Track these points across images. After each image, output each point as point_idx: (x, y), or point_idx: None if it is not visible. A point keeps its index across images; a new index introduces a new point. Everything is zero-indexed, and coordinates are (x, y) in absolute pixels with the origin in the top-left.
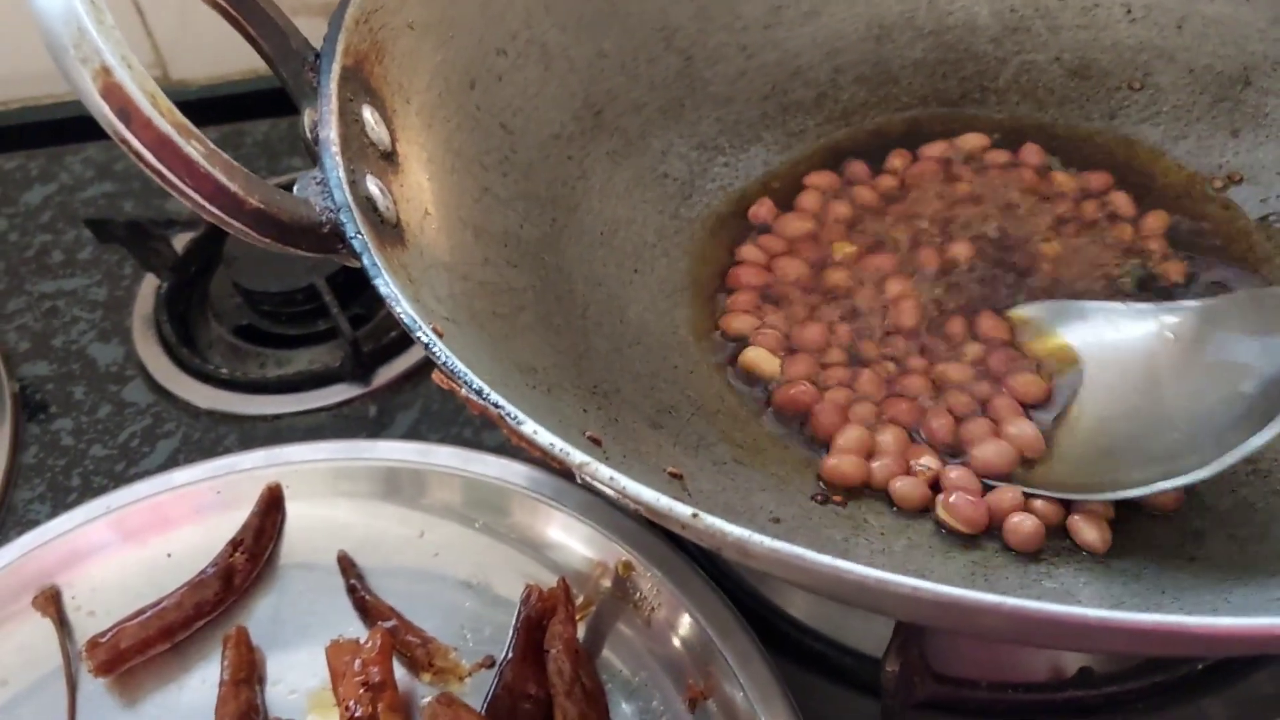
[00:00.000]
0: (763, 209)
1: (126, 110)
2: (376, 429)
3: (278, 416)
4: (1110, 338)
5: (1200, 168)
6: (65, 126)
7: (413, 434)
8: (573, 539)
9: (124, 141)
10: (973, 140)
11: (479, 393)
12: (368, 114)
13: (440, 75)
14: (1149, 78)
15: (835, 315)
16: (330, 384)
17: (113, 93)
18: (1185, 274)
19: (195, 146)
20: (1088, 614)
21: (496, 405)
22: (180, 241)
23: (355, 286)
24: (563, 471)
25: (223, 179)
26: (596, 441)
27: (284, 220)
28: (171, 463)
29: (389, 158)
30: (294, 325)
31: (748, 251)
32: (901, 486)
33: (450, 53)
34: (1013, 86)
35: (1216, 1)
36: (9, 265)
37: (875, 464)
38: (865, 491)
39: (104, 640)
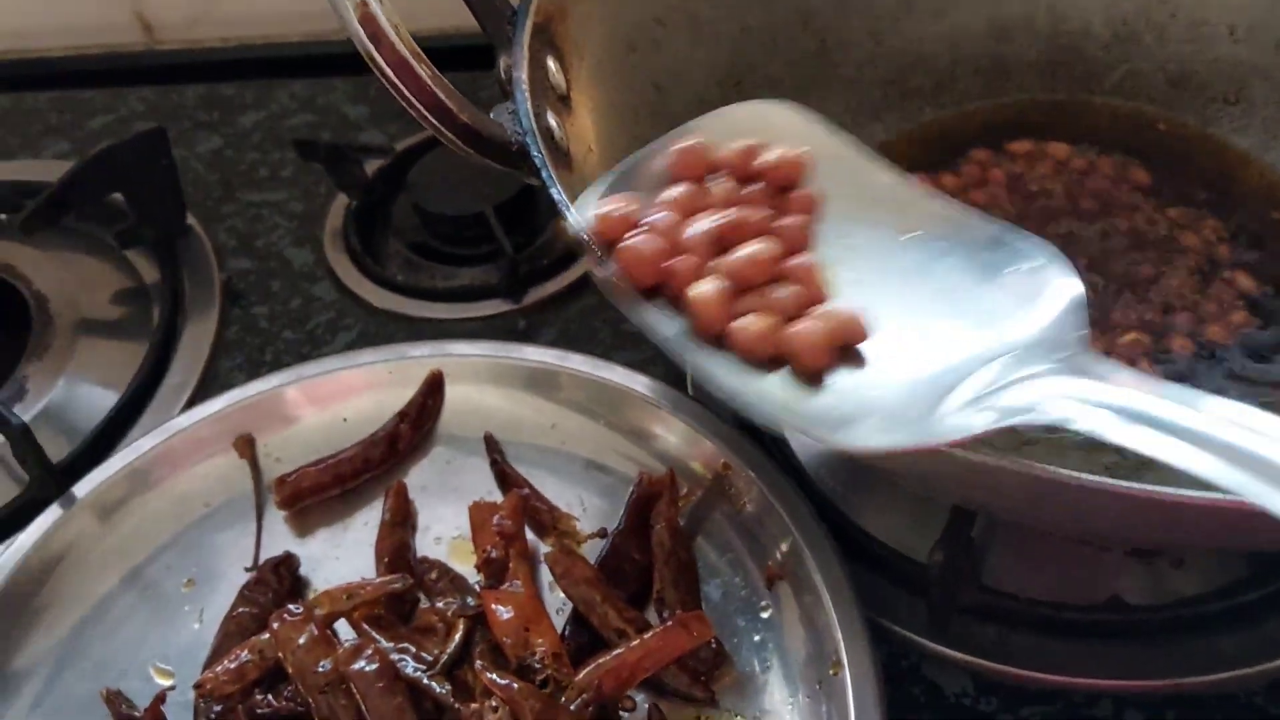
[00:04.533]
0: None
1: (377, 35)
2: (523, 340)
3: (441, 321)
4: None
5: None
6: (276, 64)
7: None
8: (683, 441)
9: (371, 58)
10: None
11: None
12: (550, 63)
13: (607, 38)
14: (1243, 91)
15: None
16: (487, 298)
17: (368, 21)
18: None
19: (424, 69)
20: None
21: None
22: (371, 167)
23: (516, 218)
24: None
25: (442, 96)
26: None
27: (483, 136)
28: (347, 351)
29: (564, 100)
30: (461, 246)
31: None
32: None
33: (618, 19)
34: (1117, 90)
35: None
36: (222, 176)
37: None
38: None
39: (289, 479)
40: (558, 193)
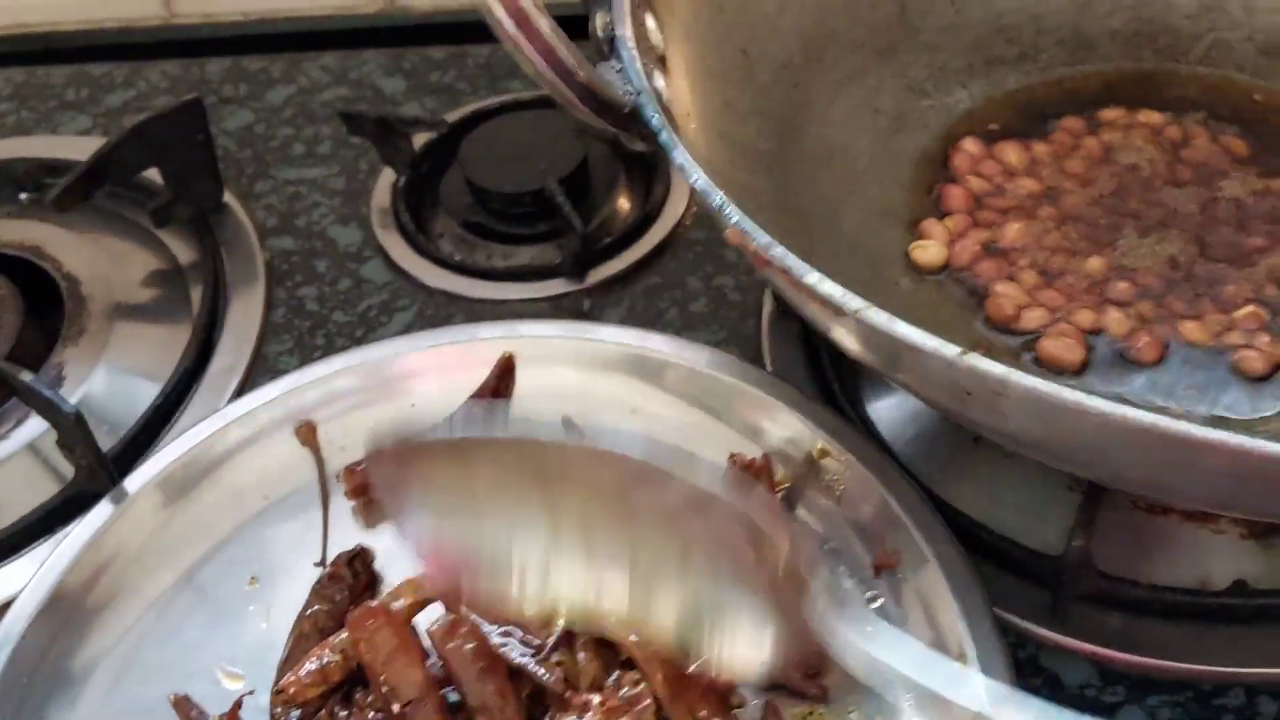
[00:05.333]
0: (971, 145)
1: None
2: (588, 320)
3: (502, 301)
4: None
5: None
6: (300, 37)
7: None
8: (773, 424)
9: (489, 10)
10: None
11: (765, 246)
12: (649, 20)
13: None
14: None
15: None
16: (549, 278)
17: None
18: None
19: (544, 21)
20: None
21: (783, 259)
22: (418, 140)
23: (579, 194)
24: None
25: (563, 51)
26: None
27: (601, 95)
28: (406, 333)
29: (662, 62)
30: (518, 224)
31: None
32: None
33: None
34: (1205, 59)
35: None
36: (255, 153)
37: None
38: None
39: (359, 468)
40: (681, 154)
